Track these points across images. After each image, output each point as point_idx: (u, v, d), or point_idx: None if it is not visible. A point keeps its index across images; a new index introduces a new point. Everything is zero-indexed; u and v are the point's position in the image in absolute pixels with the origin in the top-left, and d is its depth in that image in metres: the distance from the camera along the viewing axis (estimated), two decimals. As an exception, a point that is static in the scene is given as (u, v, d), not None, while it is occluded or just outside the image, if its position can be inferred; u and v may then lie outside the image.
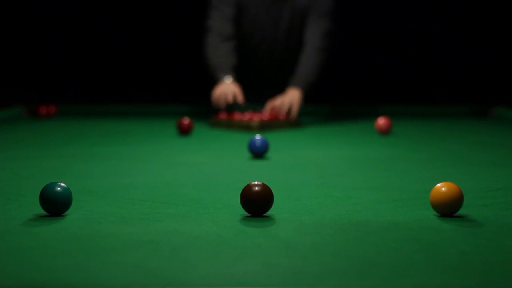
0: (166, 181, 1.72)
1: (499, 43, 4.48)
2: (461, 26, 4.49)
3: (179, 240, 1.17)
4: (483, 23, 4.47)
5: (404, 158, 2.12)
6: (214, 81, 3.17)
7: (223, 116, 2.96)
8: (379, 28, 4.57)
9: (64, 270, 1.01)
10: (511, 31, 4.45)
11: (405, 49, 4.57)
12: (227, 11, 3.29)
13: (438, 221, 1.28)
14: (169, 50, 4.55)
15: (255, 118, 2.85)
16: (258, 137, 2.09)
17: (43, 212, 1.33)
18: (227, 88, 3.05)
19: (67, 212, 1.34)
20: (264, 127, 2.81)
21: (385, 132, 2.66)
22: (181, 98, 4.47)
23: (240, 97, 3.04)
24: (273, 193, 1.33)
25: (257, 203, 1.30)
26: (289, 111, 3.05)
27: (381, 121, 2.67)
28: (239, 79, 3.26)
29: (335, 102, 4.04)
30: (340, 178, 1.79)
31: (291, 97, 3.08)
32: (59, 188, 1.31)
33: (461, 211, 1.33)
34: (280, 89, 3.34)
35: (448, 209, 1.30)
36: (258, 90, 3.42)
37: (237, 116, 2.90)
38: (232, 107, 3.08)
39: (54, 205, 1.31)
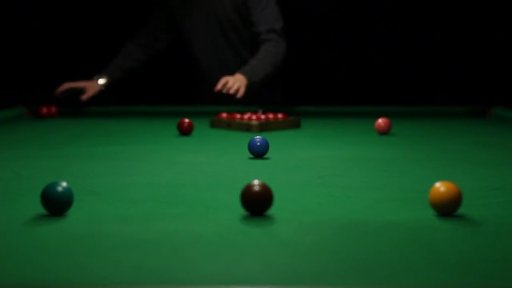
0: (166, 181, 1.73)
1: (499, 43, 4.48)
2: (460, 27, 4.49)
3: (179, 239, 1.17)
4: (482, 23, 4.47)
5: (404, 158, 2.12)
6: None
7: (223, 116, 2.96)
8: (379, 28, 4.57)
9: (64, 269, 1.01)
10: (510, 31, 4.46)
11: (405, 50, 4.57)
12: (154, 22, 3.56)
13: (437, 221, 1.28)
14: (169, 50, 4.55)
15: (255, 118, 2.86)
16: (258, 137, 2.09)
17: (44, 211, 1.33)
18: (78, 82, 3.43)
19: (68, 212, 1.34)
20: (264, 127, 2.81)
21: (384, 132, 2.67)
22: (181, 98, 4.48)
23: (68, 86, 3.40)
24: (273, 192, 1.33)
25: (257, 203, 1.31)
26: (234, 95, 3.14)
27: (381, 121, 2.68)
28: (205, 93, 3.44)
29: (335, 102, 4.04)
30: (340, 178, 1.79)
31: (240, 79, 3.15)
32: (60, 188, 1.32)
33: (460, 211, 1.33)
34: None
35: (447, 208, 1.30)
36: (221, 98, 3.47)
37: (237, 116, 2.90)
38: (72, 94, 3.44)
39: (55, 204, 1.31)
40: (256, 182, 1.33)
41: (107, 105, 3.66)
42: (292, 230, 1.23)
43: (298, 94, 4.65)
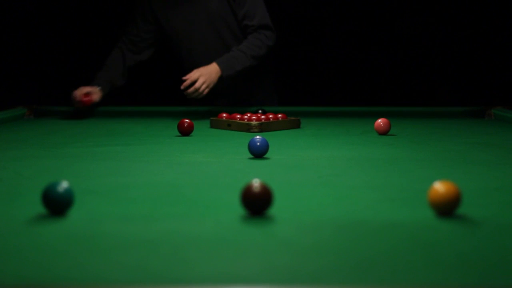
0: (166, 181, 1.73)
1: (498, 44, 4.49)
2: (460, 27, 4.50)
3: (179, 239, 1.17)
4: (482, 24, 4.48)
5: (404, 158, 2.13)
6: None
7: (223, 116, 2.96)
8: (379, 28, 4.57)
9: (65, 268, 1.01)
10: (510, 32, 4.46)
11: (405, 50, 4.58)
12: (141, 25, 3.47)
13: (436, 221, 1.29)
14: (170, 50, 4.55)
15: (255, 118, 2.86)
16: (258, 137, 2.10)
17: (44, 211, 1.34)
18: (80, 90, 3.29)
19: (68, 212, 1.34)
20: (264, 127, 2.82)
21: (384, 133, 2.67)
22: (182, 98, 4.47)
23: (90, 96, 3.28)
24: (273, 192, 1.34)
25: (257, 203, 1.31)
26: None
27: (381, 122, 2.68)
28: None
29: (335, 102, 4.05)
30: (339, 178, 1.79)
31: (213, 72, 3.15)
32: (60, 188, 1.32)
33: (459, 211, 1.34)
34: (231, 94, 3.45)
35: (447, 208, 1.31)
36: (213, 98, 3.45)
37: (237, 116, 2.91)
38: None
39: (56, 204, 1.32)
40: (256, 181, 1.33)
41: (107, 105, 3.66)
42: (292, 230, 1.24)
43: (298, 94, 4.64)
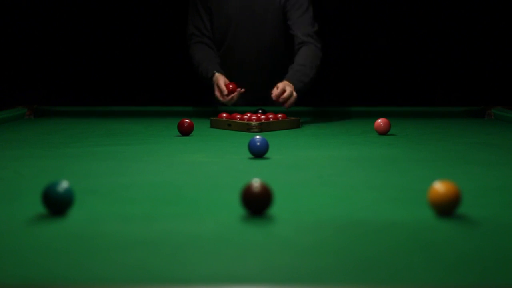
0: (166, 181, 1.73)
1: (498, 44, 4.49)
2: (460, 28, 4.50)
3: (179, 239, 1.17)
4: (482, 24, 4.48)
5: (403, 158, 2.13)
6: (206, 83, 3.24)
7: (223, 116, 2.96)
8: (379, 29, 4.57)
9: (65, 268, 1.02)
10: (509, 32, 4.46)
11: (405, 51, 4.58)
12: (205, 18, 3.37)
13: (436, 220, 1.29)
14: (171, 51, 4.56)
15: (255, 118, 2.86)
16: (258, 137, 2.10)
17: (45, 211, 1.34)
18: (221, 80, 3.13)
19: (68, 211, 1.34)
20: (264, 127, 2.82)
21: (384, 133, 2.67)
22: (182, 98, 4.48)
23: (233, 84, 3.11)
24: (273, 192, 1.34)
25: (257, 202, 1.31)
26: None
27: (381, 122, 2.68)
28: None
29: (335, 102, 4.05)
30: (339, 178, 1.79)
31: (290, 88, 3.14)
32: (61, 188, 1.32)
33: (459, 211, 1.34)
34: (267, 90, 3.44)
35: (447, 208, 1.31)
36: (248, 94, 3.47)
37: (237, 116, 2.91)
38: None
39: (56, 204, 1.32)
40: (256, 181, 1.33)
41: (107, 105, 3.66)
42: (292, 230, 1.24)
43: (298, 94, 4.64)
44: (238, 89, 3.14)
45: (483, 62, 4.52)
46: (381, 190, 1.60)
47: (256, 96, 3.49)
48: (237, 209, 1.35)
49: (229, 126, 2.86)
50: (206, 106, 3.43)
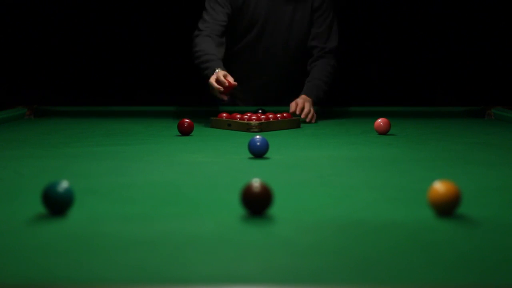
0: (166, 181, 1.73)
1: (498, 44, 4.49)
2: (460, 27, 4.50)
3: (179, 239, 1.17)
4: (482, 24, 4.48)
5: (403, 157, 2.13)
6: (205, 77, 3.16)
7: (223, 116, 2.96)
8: (378, 29, 4.57)
9: (65, 268, 1.01)
10: (509, 32, 4.46)
11: (405, 50, 4.58)
12: (218, 14, 3.31)
13: (436, 221, 1.29)
14: (171, 51, 4.56)
15: (255, 118, 2.86)
16: (258, 137, 2.10)
17: (44, 211, 1.34)
18: (220, 74, 3.01)
19: (68, 211, 1.34)
20: (264, 127, 2.82)
21: (384, 132, 2.67)
22: (182, 98, 4.48)
23: (230, 78, 2.99)
24: (273, 192, 1.34)
25: (257, 202, 1.31)
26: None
27: (381, 121, 2.68)
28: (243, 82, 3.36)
29: (335, 102, 4.04)
30: (339, 178, 1.79)
31: (309, 101, 3.19)
32: (61, 188, 1.32)
33: (459, 211, 1.34)
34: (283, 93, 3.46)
35: (447, 208, 1.31)
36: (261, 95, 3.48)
37: (237, 116, 2.91)
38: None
39: (56, 204, 1.32)
40: (256, 181, 1.33)
41: (107, 105, 3.66)
42: (292, 230, 1.24)
43: (298, 94, 4.64)
44: (234, 83, 3.00)
45: (483, 62, 4.52)
46: (381, 190, 1.60)
47: (265, 96, 3.50)
48: (237, 209, 1.35)
49: (229, 126, 2.86)
50: (206, 106, 3.43)
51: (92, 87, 4.58)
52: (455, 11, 4.49)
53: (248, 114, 2.92)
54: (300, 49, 3.43)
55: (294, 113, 3.11)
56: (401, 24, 4.53)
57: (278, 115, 2.94)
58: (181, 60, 4.51)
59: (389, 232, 1.22)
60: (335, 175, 1.83)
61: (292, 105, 3.14)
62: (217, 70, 3.03)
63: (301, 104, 3.15)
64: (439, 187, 1.31)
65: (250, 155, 2.11)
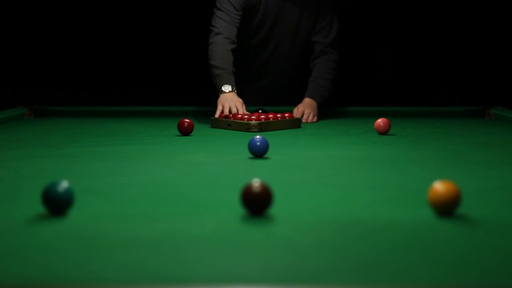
0: (166, 181, 1.73)
1: (498, 44, 4.49)
2: (460, 27, 4.50)
3: (180, 239, 1.17)
4: (482, 24, 4.48)
5: (403, 158, 2.13)
6: (214, 86, 3.19)
7: (223, 116, 2.96)
8: (378, 28, 4.57)
9: (65, 268, 1.02)
10: (509, 32, 4.46)
11: (405, 50, 4.58)
12: (234, 15, 3.31)
13: (436, 221, 1.29)
14: (170, 51, 4.56)
15: (255, 118, 2.86)
16: (258, 137, 2.10)
17: (45, 211, 1.34)
18: (231, 101, 3.06)
19: (68, 211, 1.34)
20: (264, 127, 2.82)
21: (384, 132, 2.67)
22: (182, 98, 4.48)
23: (242, 110, 3.05)
24: (273, 192, 1.34)
25: (257, 202, 1.31)
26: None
27: (381, 121, 2.68)
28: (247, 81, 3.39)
29: (336, 102, 4.04)
30: (339, 178, 1.79)
31: (313, 106, 3.24)
32: (61, 188, 1.32)
33: (459, 211, 1.34)
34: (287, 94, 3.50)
35: (447, 208, 1.31)
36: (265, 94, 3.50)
37: (237, 116, 2.91)
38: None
39: (56, 204, 1.32)
40: (256, 181, 1.33)
41: (107, 105, 3.66)
42: (292, 230, 1.24)
43: (299, 94, 4.64)
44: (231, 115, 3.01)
45: (483, 62, 4.52)
46: (381, 190, 1.60)
47: (269, 96, 3.51)
48: (237, 209, 1.35)
49: (229, 126, 2.86)
50: (206, 106, 3.43)
51: (92, 87, 4.58)
52: (455, 11, 4.50)
53: (248, 114, 2.92)
54: (305, 50, 3.46)
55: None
56: (402, 24, 4.53)
57: (278, 115, 2.94)
58: (181, 60, 4.51)
59: (389, 232, 1.22)
60: (335, 175, 1.83)
61: (295, 112, 3.21)
62: (225, 90, 3.09)
63: (301, 112, 3.21)
64: (439, 187, 1.31)
65: (250, 155, 2.11)
